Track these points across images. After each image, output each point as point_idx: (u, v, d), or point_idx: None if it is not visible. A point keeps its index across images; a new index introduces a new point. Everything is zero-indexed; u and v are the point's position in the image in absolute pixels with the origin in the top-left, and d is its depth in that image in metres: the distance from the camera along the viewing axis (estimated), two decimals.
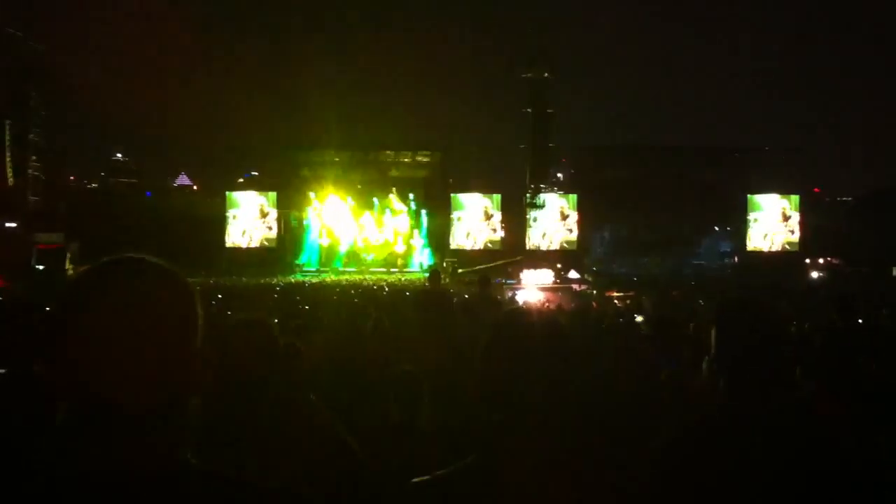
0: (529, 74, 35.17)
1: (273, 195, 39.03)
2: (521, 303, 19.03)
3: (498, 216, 38.79)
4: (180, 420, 1.08)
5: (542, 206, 37.11)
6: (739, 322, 1.87)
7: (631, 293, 24.98)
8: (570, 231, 39.02)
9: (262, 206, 39.00)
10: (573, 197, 39.32)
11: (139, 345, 1.03)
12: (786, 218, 39.82)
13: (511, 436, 1.44)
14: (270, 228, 39.11)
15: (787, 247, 39.81)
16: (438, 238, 38.58)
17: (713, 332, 1.90)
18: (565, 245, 38.68)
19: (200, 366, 1.10)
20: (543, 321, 1.55)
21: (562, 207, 38.94)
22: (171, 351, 1.06)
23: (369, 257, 38.61)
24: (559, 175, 41.61)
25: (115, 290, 1.06)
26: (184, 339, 1.09)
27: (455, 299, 9.97)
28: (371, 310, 7.94)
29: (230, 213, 39.10)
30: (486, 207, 38.78)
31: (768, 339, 1.83)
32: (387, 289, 21.64)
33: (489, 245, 38.47)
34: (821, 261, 41.83)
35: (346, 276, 33.16)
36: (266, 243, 39.03)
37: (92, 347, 1.02)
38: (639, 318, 10.99)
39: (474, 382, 1.49)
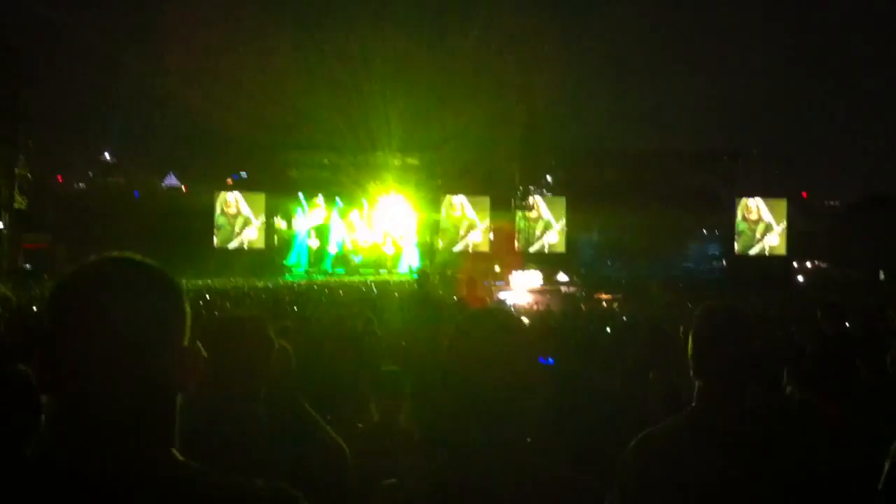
0: (520, 78, 35.24)
1: (262, 196, 38.92)
2: (511, 305, 19.07)
3: (487, 218, 38.81)
4: (168, 419, 1.10)
5: (531, 209, 37.15)
6: (718, 330, 1.89)
7: (619, 296, 25.10)
8: (559, 233, 39.10)
9: (250, 207, 38.90)
10: (562, 199, 39.38)
11: (126, 344, 1.04)
12: (774, 222, 40.00)
13: (469, 435, 1.42)
14: (259, 230, 39.02)
15: (775, 251, 40.00)
16: (427, 240, 38.56)
17: (691, 338, 1.93)
18: (554, 247, 38.74)
19: (188, 364, 1.12)
20: (508, 322, 1.56)
21: (551, 209, 38.99)
22: (158, 349, 1.07)
23: (358, 259, 38.52)
24: (548, 177, 41.65)
25: (101, 289, 1.06)
26: (171, 337, 1.10)
27: (443, 300, 9.98)
28: (359, 310, 7.95)
29: (219, 215, 38.99)
30: (475, 209, 38.80)
31: (746, 346, 1.86)
32: (376, 290, 21.61)
33: (478, 247, 38.46)
34: (808, 264, 42.09)
35: (335, 278, 33.07)
36: (255, 245, 38.93)
37: (79, 347, 1.03)
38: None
39: (438, 381, 1.49)
